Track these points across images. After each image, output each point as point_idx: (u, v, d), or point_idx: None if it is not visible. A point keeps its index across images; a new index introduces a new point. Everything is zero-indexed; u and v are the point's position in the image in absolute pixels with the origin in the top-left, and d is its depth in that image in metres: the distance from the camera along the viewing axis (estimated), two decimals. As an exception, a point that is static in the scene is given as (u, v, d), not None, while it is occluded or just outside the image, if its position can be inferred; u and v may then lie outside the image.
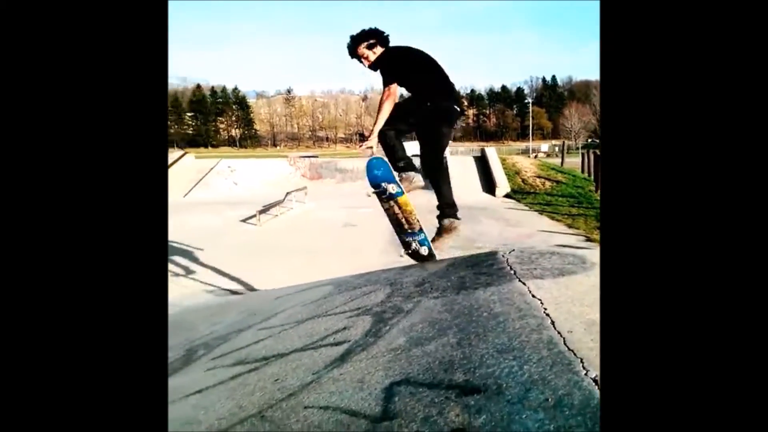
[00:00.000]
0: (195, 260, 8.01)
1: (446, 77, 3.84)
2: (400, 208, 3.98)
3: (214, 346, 3.18)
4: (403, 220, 4.02)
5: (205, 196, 17.16)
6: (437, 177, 3.98)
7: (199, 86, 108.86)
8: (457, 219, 4.10)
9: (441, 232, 4.11)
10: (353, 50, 3.78)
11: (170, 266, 7.52)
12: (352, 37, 3.76)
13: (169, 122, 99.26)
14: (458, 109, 3.83)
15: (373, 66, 3.80)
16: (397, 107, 3.76)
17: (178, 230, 10.56)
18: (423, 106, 3.70)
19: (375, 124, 3.69)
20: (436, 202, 4.09)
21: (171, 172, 19.06)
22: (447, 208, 4.04)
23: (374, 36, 3.76)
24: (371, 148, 3.78)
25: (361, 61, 3.83)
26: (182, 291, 6.29)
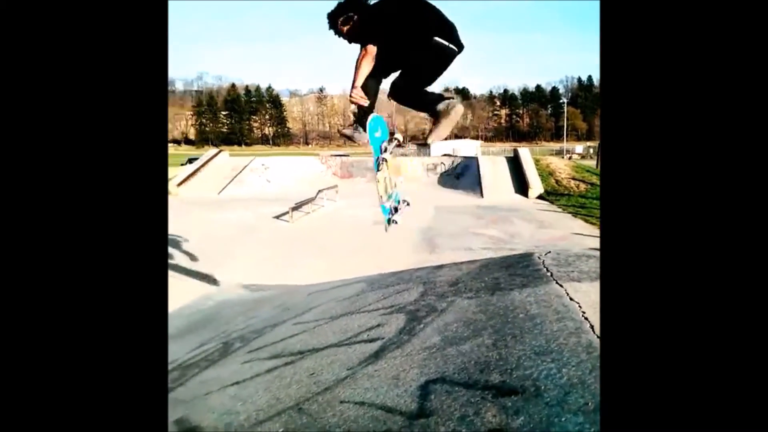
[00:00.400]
0: (229, 256, 8.19)
1: (439, 15, 3.39)
2: (388, 168, 3.76)
3: (250, 339, 3.26)
4: (388, 181, 3.77)
5: (239, 192, 17.50)
6: (419, 98, 3.52)
7: (233, 85, 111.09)
8: (454, 99, 3.50)
9: (439, 117, 3.51)
10: (336, 30, 3.40)
11: (205, 261, 7.70)
12: (328, 16, 3.42)
13: (204, 120, 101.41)
14: (456, 48, 3.36)
15: (354, 38, 3.42)
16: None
17: (213, 226, 10.83)
18: (416, 50, 3.28)
19: (354, 82, 3.32)
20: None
21: (206, 169, 19.52)
22: (440, 99, 3.50)
23: (348, 8, 3.36)
24: (363, 98, 3.46)
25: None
26: (217, 285, 6.44)
